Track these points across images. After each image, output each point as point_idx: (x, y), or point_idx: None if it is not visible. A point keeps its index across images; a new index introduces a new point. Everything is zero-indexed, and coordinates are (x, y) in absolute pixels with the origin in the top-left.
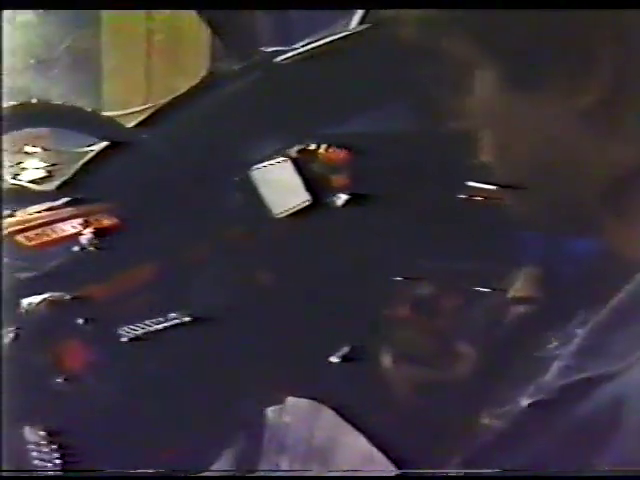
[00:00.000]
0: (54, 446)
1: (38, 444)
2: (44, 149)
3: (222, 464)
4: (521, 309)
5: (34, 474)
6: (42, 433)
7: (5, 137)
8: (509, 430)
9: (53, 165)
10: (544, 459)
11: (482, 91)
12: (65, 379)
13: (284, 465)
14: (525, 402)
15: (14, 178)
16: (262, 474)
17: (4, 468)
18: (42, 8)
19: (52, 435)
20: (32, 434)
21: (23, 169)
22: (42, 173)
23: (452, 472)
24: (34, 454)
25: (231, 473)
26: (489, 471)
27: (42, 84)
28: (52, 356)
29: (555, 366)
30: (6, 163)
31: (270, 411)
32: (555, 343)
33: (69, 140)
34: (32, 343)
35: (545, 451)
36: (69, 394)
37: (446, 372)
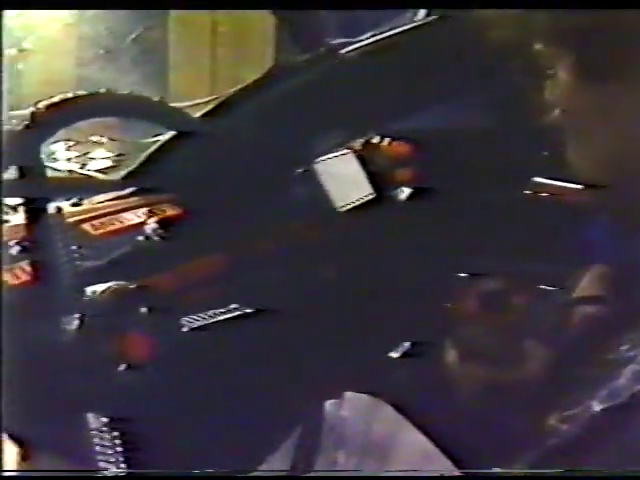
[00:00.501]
0: (115, 433)
1: (100, 431)
2: (111, 139)
3: (279, 457)
4: (592, 310)
5: (35, 474)
6: (104, 420)
7: (73, 126)
8: (579, 433)
9: (120, 155)
10: (613, 464)
11: (556, 85)
12: (127, 367)
13: (341, 460)
14: (597, 407)
15: (82, 168)
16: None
17: (4, 468)
18: (42, 8)
19: (114, 422)
20: (95, 421)
21: (91, 159)
22: (109, 163)
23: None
24: (95, 440)
25: (285, 469)
26: (498, 471)
27: (110, 74)
28: (115, 344)
29: (629, 369)
30: (74, 153)
31: (328, 405)
32: (628, 345)
33: (136, 130)
34: (95, 331)
35: (616, 455)
36: (131, 382)
37: (513, 371)
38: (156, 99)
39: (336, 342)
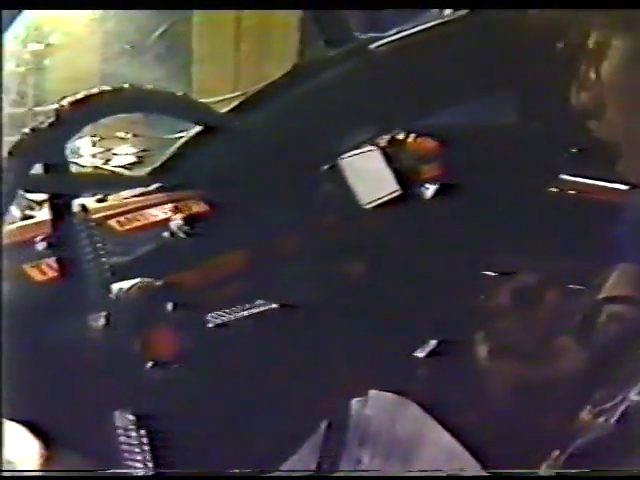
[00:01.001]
0: (142, 431)
1: (126, 429)
2: (135, 135)
3: (305, 455)
4: (621, 308)
5: (34, 474)
6: (131, 418)
7: (98, 123)
8: (614, 429)
9: (144, 151)
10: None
11: (586, 82)
12: (154, 364)
13: (365, 459)
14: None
15: (106, 163)
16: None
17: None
18: (42, 8)
19: (141, 420)
20: (121, 419)
21: (114, 154)
22: (133, 159)
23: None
24: (122, 439)
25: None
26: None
27: (135, 70)
28: (141, 341)
29: None
30: (98, 149)
31: (353, 403)
32: None
33: (161, 126)
34: (122, 328)
35: None
36: (158, 379)
37: (543, 369)
38: (181, 94)
39: (362, 339)
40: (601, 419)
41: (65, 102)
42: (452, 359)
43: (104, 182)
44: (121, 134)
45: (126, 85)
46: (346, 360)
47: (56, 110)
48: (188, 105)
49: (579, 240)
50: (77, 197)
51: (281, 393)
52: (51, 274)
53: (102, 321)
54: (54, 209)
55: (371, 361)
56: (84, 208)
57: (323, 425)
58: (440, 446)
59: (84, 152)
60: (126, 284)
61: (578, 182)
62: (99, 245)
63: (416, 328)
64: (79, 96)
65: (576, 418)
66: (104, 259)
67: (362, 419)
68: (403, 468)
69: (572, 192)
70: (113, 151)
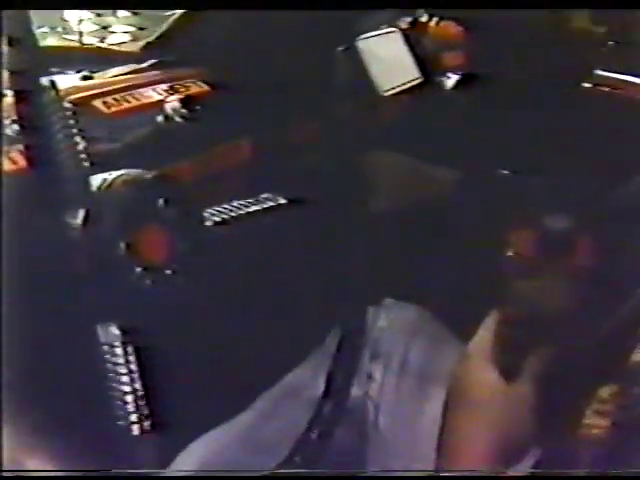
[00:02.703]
0: (129, 348)
1: (112, 345)
2: (134, 13)
3: (314, 364)
4: None
5: (33, 474)
6: (116, 332)
7: None
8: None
9: (141, 29)
10: None
11: None
12: (143, 269)
13: (377, 375)
14: None
15: (102, 42)
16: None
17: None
18: (42, 8)
19: (127, 335)
20: (105, 334)
21: (111, 32)
22: (128, 37)
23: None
24: (107, 357)
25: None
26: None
27: None
28: (128, 243)
29: None
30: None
31: (368, 311)
32: None
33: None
34: (104, 227)
35: None
36: (147, 288)
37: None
38: None
39: (380, 241)
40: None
41: None
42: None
43: (89, 58)
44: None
45: None
46: (361, 264)
47: None
48: None
49: (616, 144)
50: (51, 73)
51: (288, 301)
52: (22, 164)
53: (80, 218)
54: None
55: (389, 267)
56: (54, 86)
57: (334, 334)
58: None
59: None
60: (110, 176)
61: (615, 78)
62: (79, 130)
63: (433, 228)
64: None
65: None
66: (84, 146)
67: (375, 330)
68: (417, 388)
69: (607, 89)
70: (110, 29)
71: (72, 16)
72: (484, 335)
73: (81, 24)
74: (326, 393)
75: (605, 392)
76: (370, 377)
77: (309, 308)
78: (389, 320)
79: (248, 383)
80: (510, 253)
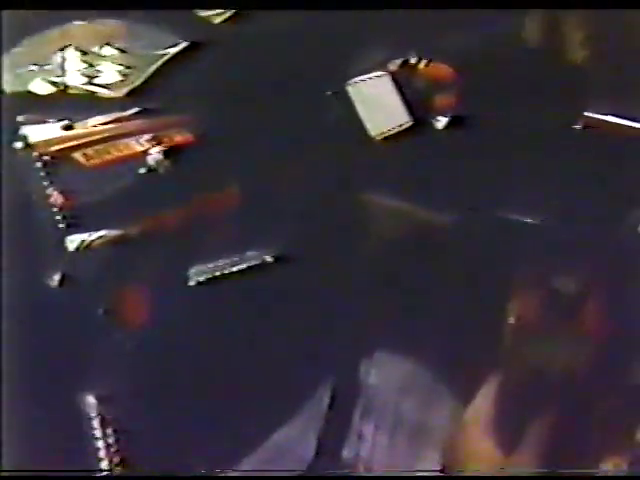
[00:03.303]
0: (108, 418)
1: (89, 417)
2: (122, 51)
3: (302, 423)
4: None
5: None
6: (93, 402)
7: (74, 31)
8: None
9: (128, 68)
10: None
11: None
12: (123, 333)
13: (368, 434)
14: None
15: (90, 83)
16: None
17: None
18: (42, 8)
19: (106, 404)
20: (83, 403)
21: (97, 71)
22: (116, 77)
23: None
24: (84, 428)
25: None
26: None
27: None
28: (110, 307)
29: None
30: (75, 65)
31: (358, 367)
32: None
33: (148, 39)
34: (83, 288)
35: None
36: (127, 352)
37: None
38: None
39: (371, 292)
40: None
41: None
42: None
43: (74, 104)
44: (103, 49)
45: None
46: (351, 319)
47: None
48: (168, 13)
49: (603, 183)
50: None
51: (277, 359)
52: None
53: (57, 280)
54: None
55: (380, 319)
56: (25, 140)
57: (325, 391)
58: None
59: (69, 67)
60: (89, 236)
61: (607, 120)
62: (57, 184)
63: (431, 276)
64: None
65: None
66: (62, 202)
67: (366, 387)
68: (410, 449)
69: (599, 131)
70: (97, 68)
71: (58, 56)
72: (482, 403)
73: (66, 62)
74: (317, 454)
75: (609, 465)
76: (361, 437)
77: (298, 365)
78: (381, 376)
79: (238, 442)
80: (512, 319)
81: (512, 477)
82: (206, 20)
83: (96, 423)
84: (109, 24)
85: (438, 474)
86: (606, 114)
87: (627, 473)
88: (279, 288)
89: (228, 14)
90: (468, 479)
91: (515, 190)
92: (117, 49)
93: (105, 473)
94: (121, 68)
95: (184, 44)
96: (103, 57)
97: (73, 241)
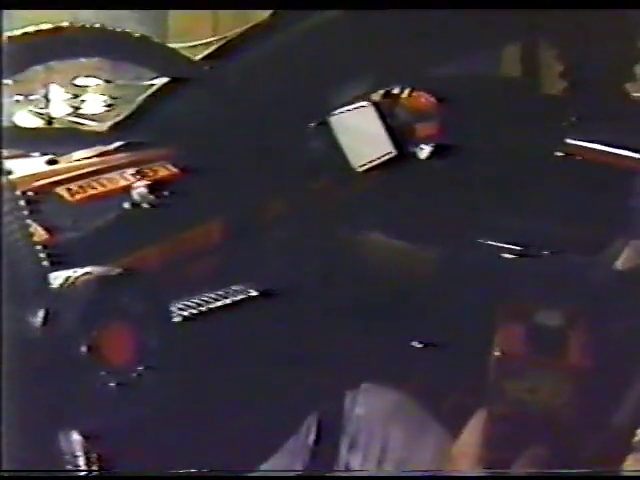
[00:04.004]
0: (93, 456)
1: (74, 454)
2: (108, 81)
3: (289, 455)
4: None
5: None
6: (78, 438)
7: (58, 67)
8: None
9: (114, 99)
10: None
11: None
12: (108, 372)
13: (355, 464)
14: None
15: (77, 114)
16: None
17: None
18: (42, 8)
19: (91, 441)
20: (66, 441)
21: (83, 102)
22: (101, 108)
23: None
24: (68, 466)
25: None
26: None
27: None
28: (90, 343)
29: None
30: (60, 96)
31: (344, 399)
32: None
33: (132, 72)
34: (66, 327)
35: None
36: (113, 391)
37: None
38: (138, 35)
39: (355, 326)
40: None
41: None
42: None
43: (57, 139)
44: (84, 81)
45: (66, 24)
46: (336, 352)
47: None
48: (149, 50)
49: (584, 208)
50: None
51: (262, 393)
52: None
53: (40, 318)
54: None
55: (365, 352)
56: (9, 174)
57: (311, 423)
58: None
59: (54, 98)
60: (73, 273)
61: (587, 147)
62: (41, 220)
63: (414, 311)
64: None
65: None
66: (46, 238)
67: (353, 418)
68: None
69: (579, 157)
70: (82, 98)
71: (42, 86)
72: (469, 437)
73: (50, 93)
74: None
75: None
76: (348, 469)
77: (284, 398)
78: (367, 407)
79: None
80: (497, 352)
81: (512, 477)
82: (187, 57)
83: (81, 460)
84: (93, 60)
85: (438, 474)
86: (587, 141)
87: (627, 473)
88: (264, 322)
89: (211, 49)
90: (468, 479)
91: (498, 219)
92: (102, 80)
93: (106, 473)
94: (106, 99)
95: (168, 79)
96: (88, 88)
97: (57, 278)
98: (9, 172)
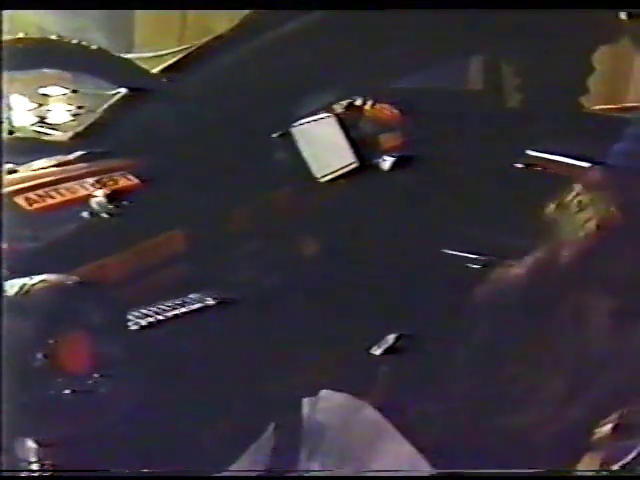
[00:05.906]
0: (48, 463)
1: (29, 462)
2: (74, 91)
3: (250, 460)
4: None
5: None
6: (33, 446)
7: (21, 77)
8: None
9: (79, 108)
10: None
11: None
12: (66, 381)
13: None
14: None
15: (42, 124)
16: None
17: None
18: (42, 8)
19: (45, 448)
20: (22, 449)
21: (48, 111)
22: (66, 117)
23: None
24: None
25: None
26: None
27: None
28: (49, 352)
29: None
30: (23, 105)
31: (304, 405)
32: None
33: (88, 85)
34: (22, 335)
35: None
36: (70, 399)
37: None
38: (104, 49)
39: (315, 333)
40: None
41: None
42: (414, 356)
43: (17, 148)
44: (49, 90)
45: (21, 35)
46: (292, 360)
47: None
48: (106, 61)
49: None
50: None
51: (217, 407)
52: None
53: None
54: None
55: (324, 358)
56: None
57: (270, 432)
58: (397, 454)
59: (18, 108)
60: (29, 280)
61: (547, 158)
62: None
63: (375, 319)
64: None
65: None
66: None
67: (312, 425)
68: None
69: (539, 168)
70: (47, 107)
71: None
72: None
73: (13, 102)
74: None
75: None
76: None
77: (241, 407)
78: (326, 414)
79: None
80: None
81: (512, 477)
82: (144, 69)
83: (35, 467)
84: (54, 71)
85: (438, 474)
86: (547, 153)
87: (627, 474)
88: (221, 330)
89: (169, 62)
90: (468, 479)
91: (461, 229)
92: (69, 89)
93: (106, 473)
94: (72, 108)
95: (128, 90)
96: (52, 97)
97: (13, 286)
98: None
